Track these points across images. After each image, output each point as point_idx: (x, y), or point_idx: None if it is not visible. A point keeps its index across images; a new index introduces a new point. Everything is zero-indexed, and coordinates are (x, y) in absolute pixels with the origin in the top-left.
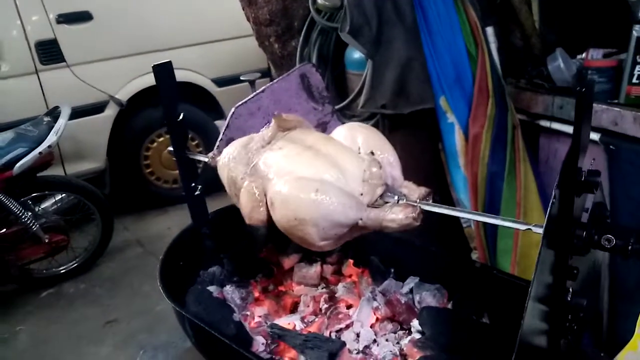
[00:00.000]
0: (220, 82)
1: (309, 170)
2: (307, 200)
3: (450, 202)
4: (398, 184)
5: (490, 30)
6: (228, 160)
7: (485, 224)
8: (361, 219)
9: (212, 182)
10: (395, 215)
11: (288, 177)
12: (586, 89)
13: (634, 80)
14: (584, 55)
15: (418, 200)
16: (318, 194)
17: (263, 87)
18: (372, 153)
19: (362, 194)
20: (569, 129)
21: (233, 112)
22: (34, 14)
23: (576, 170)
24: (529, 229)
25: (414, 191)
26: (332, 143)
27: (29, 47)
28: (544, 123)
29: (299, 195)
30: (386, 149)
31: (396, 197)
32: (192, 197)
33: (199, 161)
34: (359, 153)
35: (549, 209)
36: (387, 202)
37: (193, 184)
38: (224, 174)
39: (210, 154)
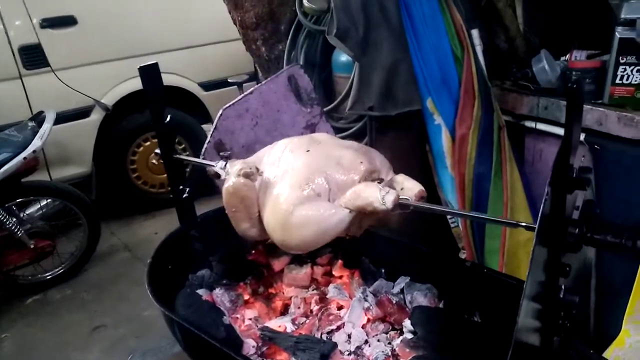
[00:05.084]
0: (207, 86)
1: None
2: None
3: (438, 202)
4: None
5: (475, 32)
6: None
7: (472, 224)
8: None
9: (201, 185)
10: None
11: None
12: (577, 85)
13: (617, 81)
14: (567, 56)
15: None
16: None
17: (251, 89)
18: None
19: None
20: (554, 129)
21: (221, 114)
22: (17, 19)
23: (568, 166)
24: (520, 226)
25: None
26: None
27: (12, 52)
28: (529, 124)
29: None
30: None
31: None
32: (180, 199)
33: (187, 164)
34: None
35: (541, 207)
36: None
37: (181, 187)
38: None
39: (219, 165)
